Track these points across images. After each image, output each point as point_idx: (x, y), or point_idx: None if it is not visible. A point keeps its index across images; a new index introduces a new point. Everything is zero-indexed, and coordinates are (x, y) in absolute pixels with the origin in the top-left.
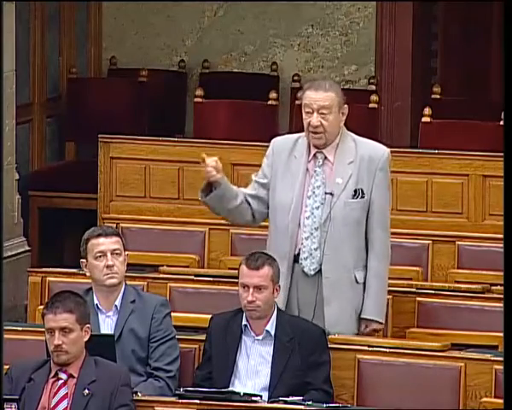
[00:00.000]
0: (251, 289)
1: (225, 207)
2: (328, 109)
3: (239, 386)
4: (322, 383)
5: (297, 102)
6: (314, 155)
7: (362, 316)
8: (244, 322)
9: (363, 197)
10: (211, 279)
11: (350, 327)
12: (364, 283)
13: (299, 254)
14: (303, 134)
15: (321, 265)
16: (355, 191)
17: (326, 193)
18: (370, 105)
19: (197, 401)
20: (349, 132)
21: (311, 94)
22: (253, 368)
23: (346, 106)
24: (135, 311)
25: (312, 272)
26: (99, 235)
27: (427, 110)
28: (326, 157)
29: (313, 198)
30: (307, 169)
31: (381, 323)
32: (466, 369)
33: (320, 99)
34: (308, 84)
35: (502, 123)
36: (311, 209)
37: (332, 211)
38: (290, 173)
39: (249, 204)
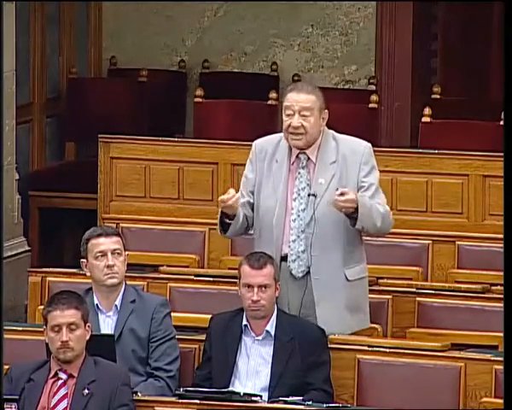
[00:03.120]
0: (255, 289)
1: (237, 230)
2: (309, 111)
3: (239, 386)
4: (322, 383)
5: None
6: (297, 156)
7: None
8: (244, 322)
9: None
10: (211, 279)
11: (342, 327)
12: (355, 280)
13: (286, 256)
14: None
15: (309, 267)
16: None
17: (309, 195)
18: (370, 105)
19: (197, 401)
20: (330, 131)
21: (293, 96)
22: (253, 368)
23: (326, 111)
24: (135, 311)
25: (300, 275)
26: (99, 235)
27: (427, 110)
28: (309, 158)
29: (298, 200)
30: (290, 171)
31: (356, 208)
32: (466, 369)
33: (302, 100)
34: (291, 86)
35: (502, 123)
36: (296, 212)
37: (316, 212)
38: (273, 177)
39: (245, 215)
